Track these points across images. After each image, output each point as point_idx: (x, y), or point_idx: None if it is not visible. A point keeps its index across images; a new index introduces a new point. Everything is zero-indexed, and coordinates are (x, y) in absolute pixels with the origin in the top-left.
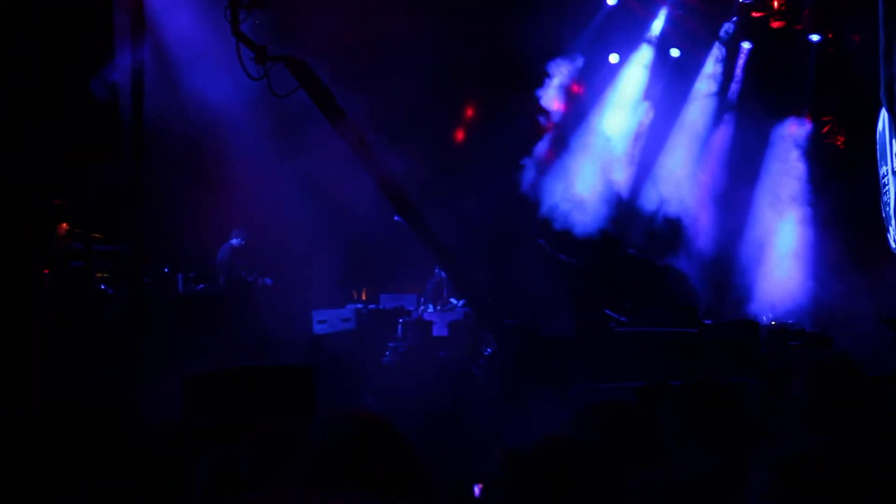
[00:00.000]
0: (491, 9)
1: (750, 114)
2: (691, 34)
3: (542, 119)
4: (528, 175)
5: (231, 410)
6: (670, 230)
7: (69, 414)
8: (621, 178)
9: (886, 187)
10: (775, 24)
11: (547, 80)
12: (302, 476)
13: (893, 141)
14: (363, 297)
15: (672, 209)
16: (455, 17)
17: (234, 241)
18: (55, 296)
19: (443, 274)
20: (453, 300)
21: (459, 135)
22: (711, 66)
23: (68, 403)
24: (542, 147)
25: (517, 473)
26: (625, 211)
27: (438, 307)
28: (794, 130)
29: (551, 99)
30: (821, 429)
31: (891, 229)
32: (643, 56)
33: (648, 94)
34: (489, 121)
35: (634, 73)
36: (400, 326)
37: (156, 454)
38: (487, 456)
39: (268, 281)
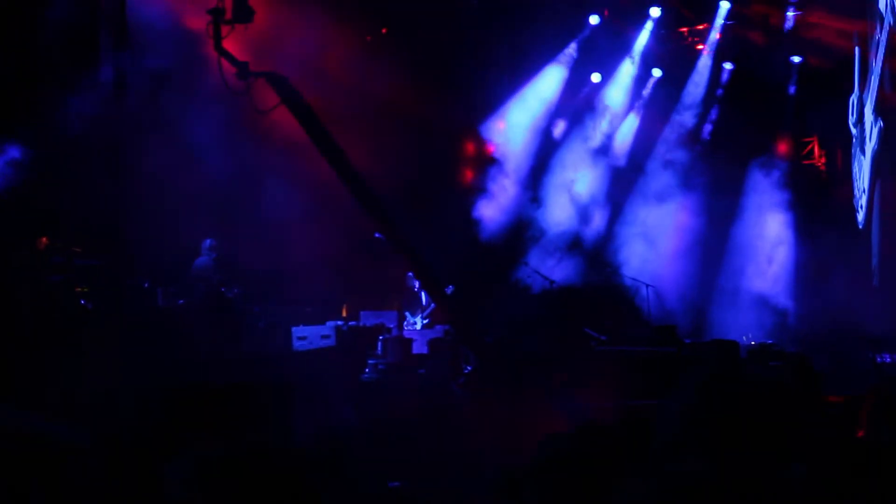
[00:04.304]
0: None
1: (731, 135)
2: (674, 54)
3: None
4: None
5: (209, 424)
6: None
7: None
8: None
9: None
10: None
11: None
12: None
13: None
14: (344, 314)
15: (651, 230)
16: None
17: (209, 256)
18: (34, 309)
19: (416, 282)
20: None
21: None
22: (694, 86)
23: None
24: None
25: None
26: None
27: (419, 315)
28: (774, 151)
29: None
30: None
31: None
32: (625, 75)
33: (630, 112)
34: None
35: (616, 94)
36: (380, 343)
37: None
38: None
39: (235, 290)
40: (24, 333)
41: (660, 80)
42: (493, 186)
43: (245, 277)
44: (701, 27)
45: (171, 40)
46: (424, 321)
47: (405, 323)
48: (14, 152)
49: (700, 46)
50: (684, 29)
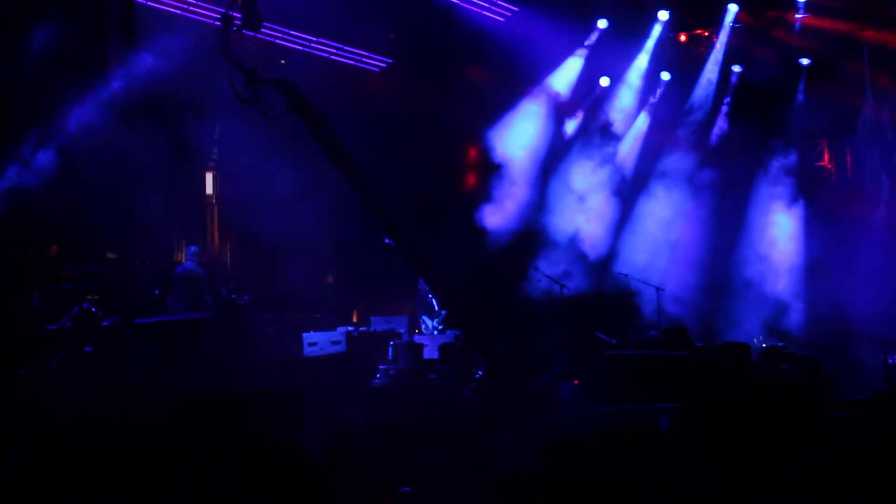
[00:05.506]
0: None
1: (739, 137)
2: (683, 57)
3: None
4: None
5: (221, 431)
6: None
7: None
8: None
9: None
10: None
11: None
12: None
13: None
14: (354, 320)
15: (660, 233)
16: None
17: (193, 262)
18: (45, 316)
19: (427, 287)
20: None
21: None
22: (702, 88)
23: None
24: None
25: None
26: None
27: (433, 320)
28: (784, 153)
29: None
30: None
31: None
32: (634, 78)
33: (639, 113)
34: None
35: (625, 97)
36: (391, 349)
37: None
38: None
39: (246, 297)
40: (34, 341)
41: (668, 82)
42: (501, 193)
43: (255, 283)
44: (702, 32)
45: (179, 43)
46: (439, 327)
47: (423, 327)
48: (25, 159)
49: (703, 49)
50: (684, 34)
